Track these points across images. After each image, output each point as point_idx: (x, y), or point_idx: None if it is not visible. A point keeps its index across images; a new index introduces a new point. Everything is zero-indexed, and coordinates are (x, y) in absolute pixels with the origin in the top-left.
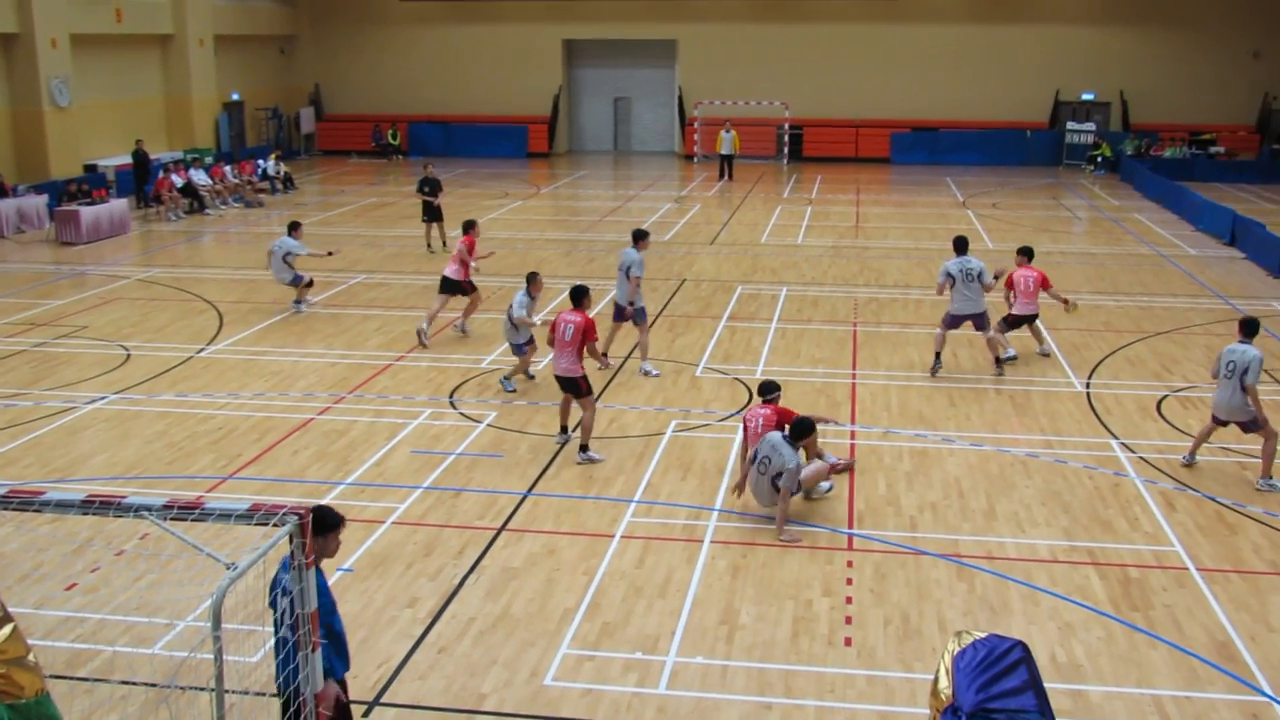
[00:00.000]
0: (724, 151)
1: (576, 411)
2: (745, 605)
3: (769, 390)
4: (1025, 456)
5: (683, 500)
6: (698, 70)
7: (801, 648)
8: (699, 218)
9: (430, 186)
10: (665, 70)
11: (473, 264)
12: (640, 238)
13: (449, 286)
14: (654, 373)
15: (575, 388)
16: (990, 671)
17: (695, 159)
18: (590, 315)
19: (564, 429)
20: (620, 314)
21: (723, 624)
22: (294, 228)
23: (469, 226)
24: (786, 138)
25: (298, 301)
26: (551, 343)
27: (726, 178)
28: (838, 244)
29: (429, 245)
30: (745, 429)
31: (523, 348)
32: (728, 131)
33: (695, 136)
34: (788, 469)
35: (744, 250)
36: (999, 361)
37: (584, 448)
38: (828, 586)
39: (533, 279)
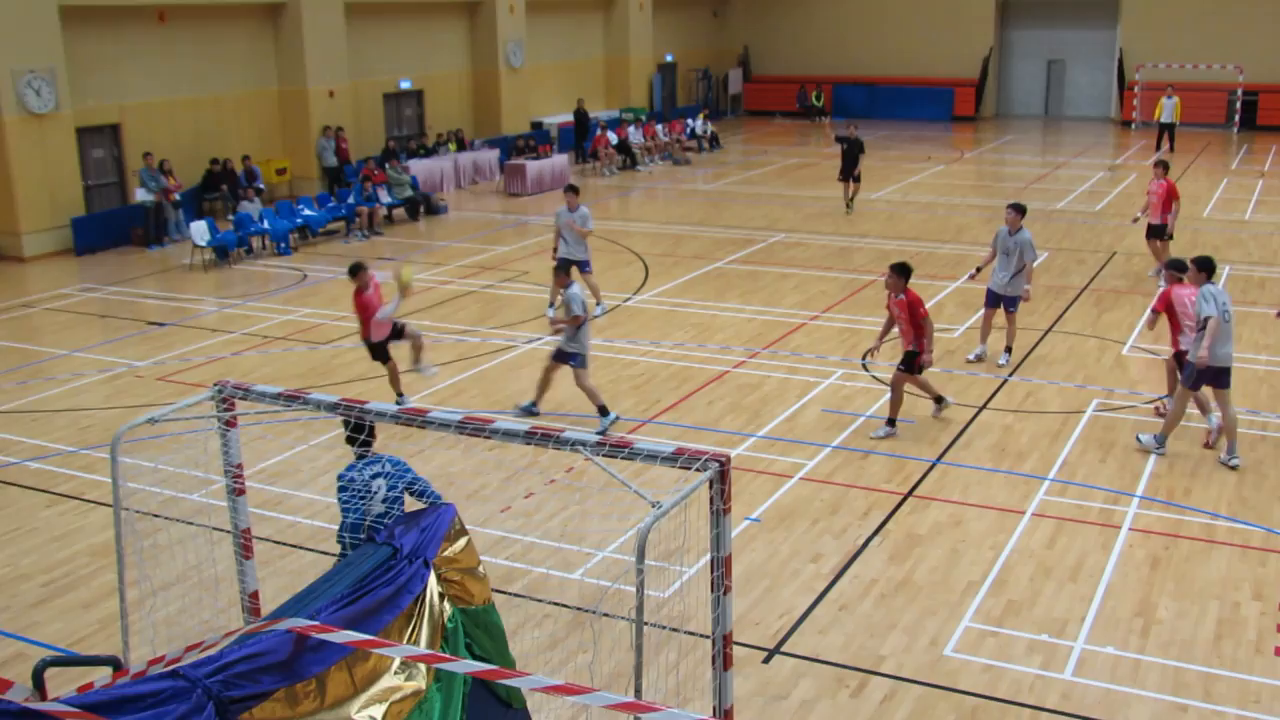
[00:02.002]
0: (1164, 119)
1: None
2: (1164, 599)
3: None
4: None
5: (1100, 483)
6: (1141, 31)
7: (1225, 651)
8: (1134, 188)
9: (850, 146)
10: (1105, 31)
11: None
12: (573, 191)
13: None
14: (599, 311)
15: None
16: None
17: (1133, 125)
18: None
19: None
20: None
21: (1138, 616)
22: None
23: None
24: (1239, 104)
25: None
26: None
27: (1167, 147)
28: None
29: (847, 205)
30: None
31: None
32: (1169, 98)
33: (1134, 102)
34: None
35: (1183, 224)
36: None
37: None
38: (1259, 590)
39: None
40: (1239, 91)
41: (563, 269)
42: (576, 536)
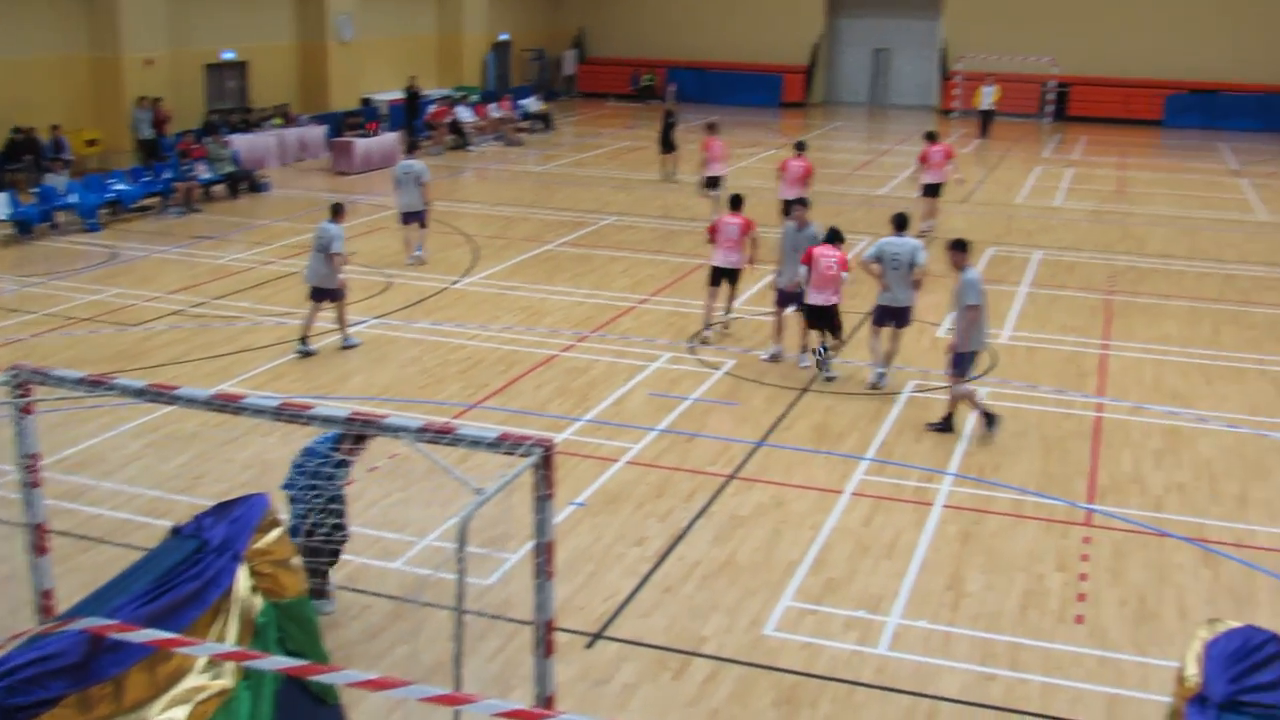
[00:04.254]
0: (984, 106)
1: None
2: (973, 573)
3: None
4: None
5: (916, 462)
6: (963, 23)
7: (1030, 621)
8: (951, 178)
9: (668, 117)
10: (928, 22)
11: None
12: (337, 210)
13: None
14: (358, 342)
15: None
16: (1245, 663)
17: (953, 114)
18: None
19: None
20: (327, 295)
21: (949, 590)
22: (337, 211)
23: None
24: (1052, 95)
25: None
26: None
27: (983, 136)
28: (1099, 208)
29: (670, 176)
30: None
31: None
32: (989, 86)
33: (955, 91)
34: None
35: (998, 211)
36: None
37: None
38: (1062, 561)
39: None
40: (1052, 83)
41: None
42: (399, 524)
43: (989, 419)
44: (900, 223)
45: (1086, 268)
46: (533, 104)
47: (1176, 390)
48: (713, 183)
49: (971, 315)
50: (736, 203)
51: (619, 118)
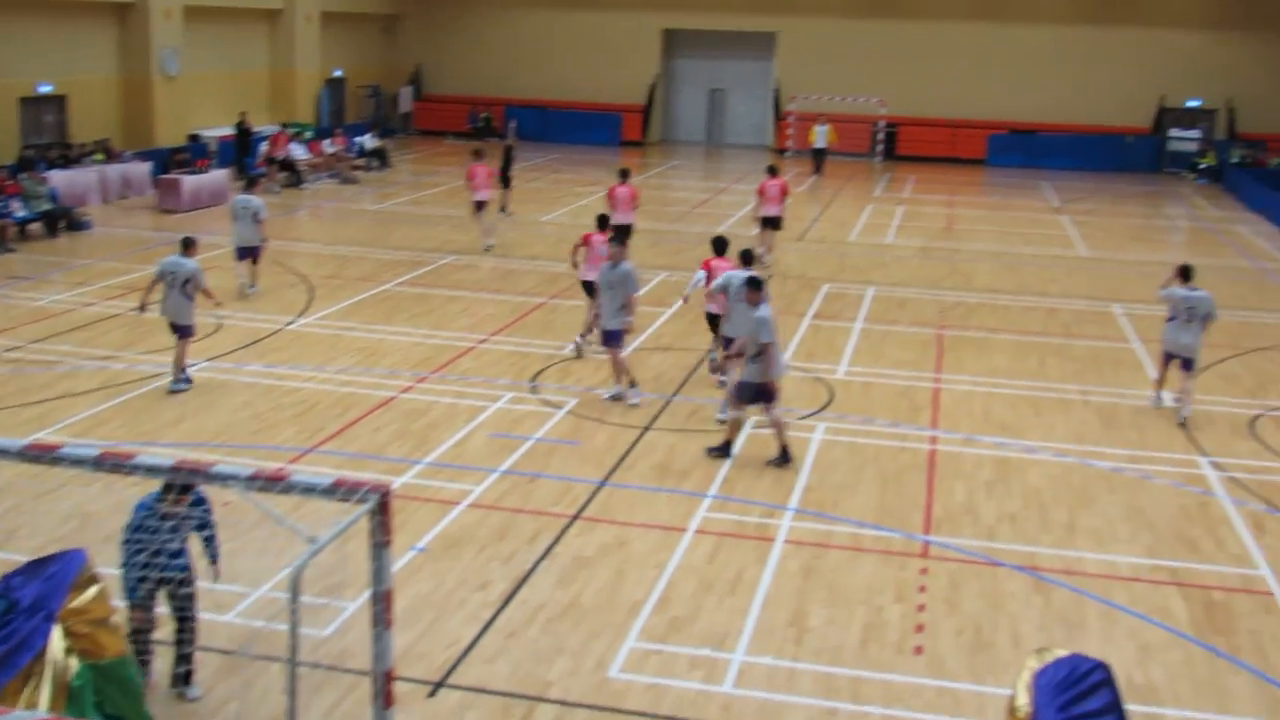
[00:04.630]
0: (818, 145)
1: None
2: (815, 608)
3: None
4: (1110, 471)
5: (758, 498)
6: (795, 64)
7: (871, 654)
8: (787, 213)
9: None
10: (762, 63)
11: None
12: (189, 244)
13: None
14: (188, 386)
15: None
16: (1072, 691)
17: (787, 153)
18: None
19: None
20: (183, 331)
21: (792, 625)
22: (188, 245)
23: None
24: (881, 135)
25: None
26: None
27: (817, 173)
28: (928, 245)
29: (501, 208)
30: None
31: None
32: (822, 125)
33: (789, 131)
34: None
35: (832, 248)
36: None
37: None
38: (900, 593)
39: None
40: (882, 123)
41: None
42: (230, 575)
43: (784, 454)
44: (746, 258)
45: (917, 303)
46: (369, 141)
47: (1006, 421)
48: (480, 206)
49: (769, 351)
50: (604, 222)
51: (457, 155)
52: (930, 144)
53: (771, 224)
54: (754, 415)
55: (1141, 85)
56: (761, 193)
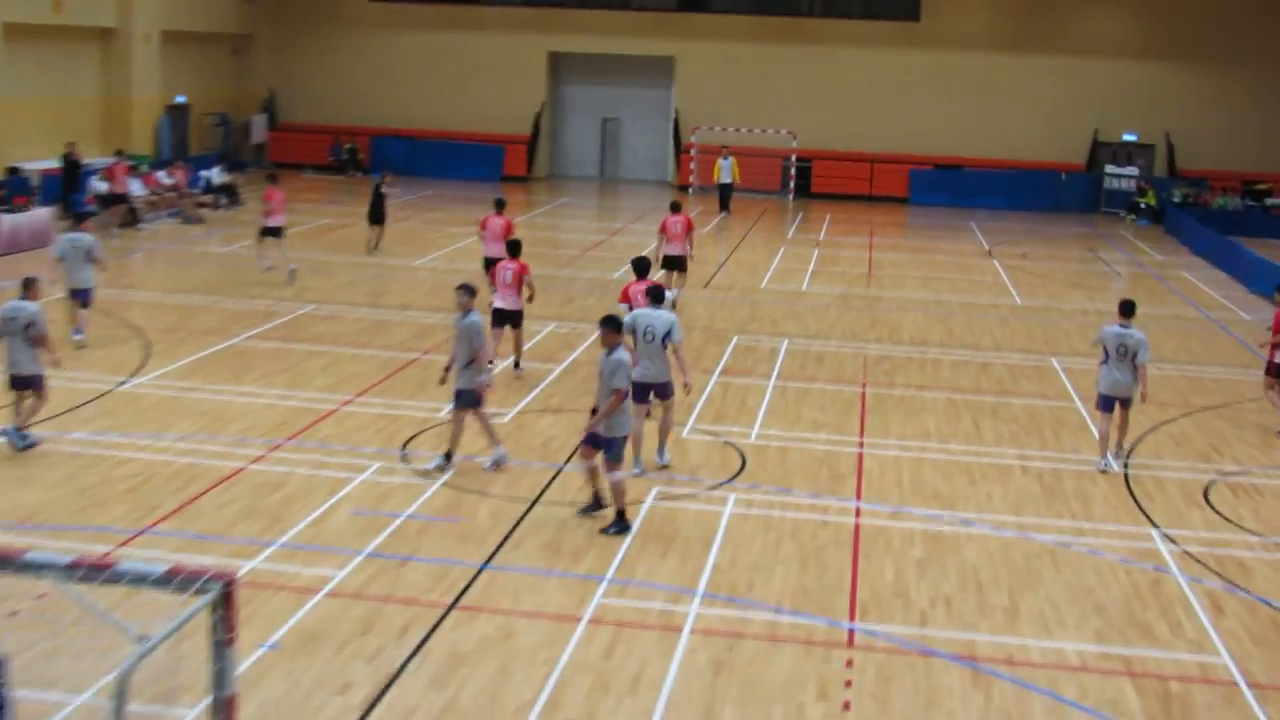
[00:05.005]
0: (723, 180)
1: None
2: (728, 707)
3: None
4: (1054, 545)
5: (661, 581)
6: (697, 92)
7: None
8: (696, 253)
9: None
10: (660, 90)
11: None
12: (29, 285)
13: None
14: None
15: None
16: None
17: (690, 190)
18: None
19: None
20: (29, 383)
21: None
22: (29, 286)
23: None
24: (793, 171)
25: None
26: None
27: (724, 211)
28: (847, 293)
29: (369, 243)
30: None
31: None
32: (726, 159)
33: (691, 165)
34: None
35: (742, 296)
36: None
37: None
38: (823, 689)
39: None
40: (793, 158)
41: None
42: (46, 680)
43: (597, 504)
44: (656, 295)
45: (837, 357)
46: (216, 176)
47: (938, 491)
48: (272, 232)
49: (618, 400)
50: (515, 249)
51: (317, 191)
52: (847, 180)
53: (675, 264)
54: (656, 483)
55: (1074, 117)
56: (664, 230)
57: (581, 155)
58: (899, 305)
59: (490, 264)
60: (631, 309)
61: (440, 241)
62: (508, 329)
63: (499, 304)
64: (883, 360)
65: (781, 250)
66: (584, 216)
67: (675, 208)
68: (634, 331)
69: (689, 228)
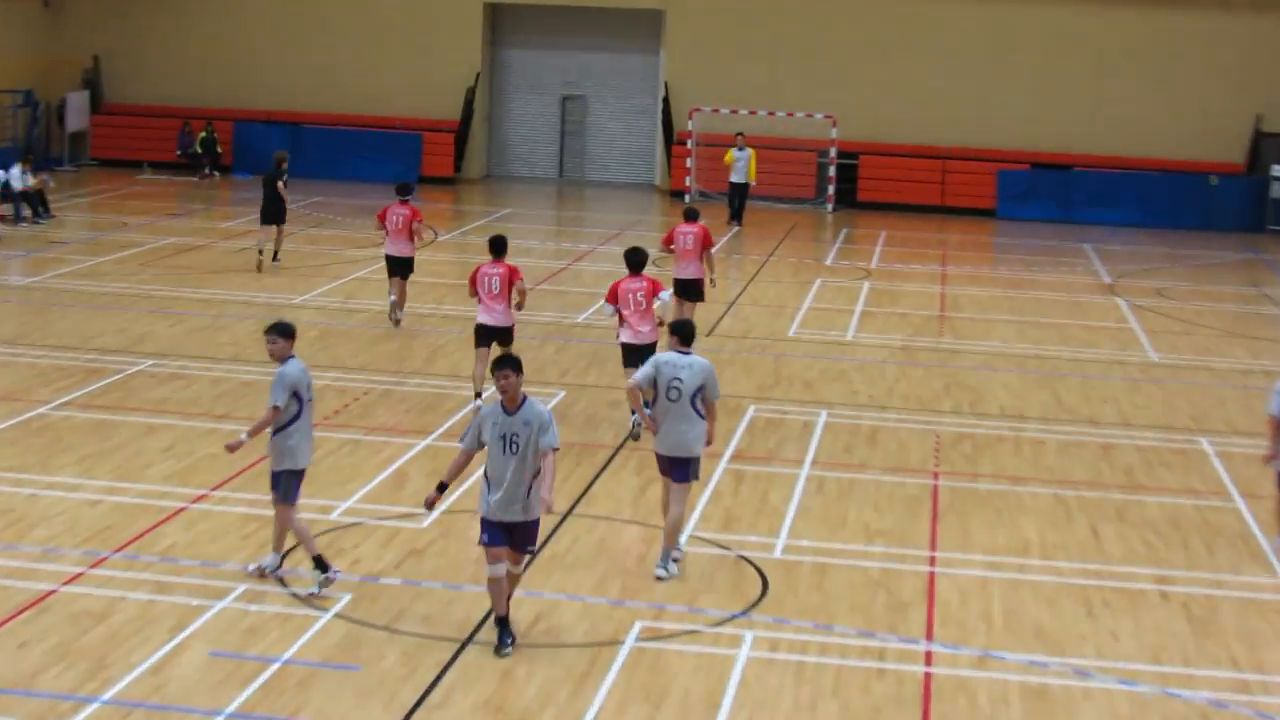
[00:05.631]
0: (735, 178)
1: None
2: None
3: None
4: (1208, 705)
5: None
6: (696, 59)
7: None
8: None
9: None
10: (644, 56)
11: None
12: None
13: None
14: None
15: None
16: None
17: (688, 197)
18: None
19: None
20: None
21: None
22: None
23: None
24: (832, 171)
25: None
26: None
27: (734, 221)
28: (910, 344)
29: (260, 252)
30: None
31: None
32: (742, 149)
33: (689, 163)
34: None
35: (761, 348)
36: None
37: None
38: None
39: None
40: (832, 152)
41: None
42: None
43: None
44: (685, 335)
45: (897, 435)
46: (17, 178)
47: (1041, 627)
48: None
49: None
50: (500, 247)
51: (160, 198)
52: (908, 185)
53: (687, 291)
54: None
55: (1229, 100)
56: (670, 243)
57: (532, 148)
58: (984, 362)
59: (394, 265)
60: (618, 310)
61: (331, 269)
62: (495, 348)
63: (484, 319)
64: (961, 440)
65: (817, 283)
66: (536, 234)
67: (690, 215)
68: (655, 383)
69: (706, 242)
